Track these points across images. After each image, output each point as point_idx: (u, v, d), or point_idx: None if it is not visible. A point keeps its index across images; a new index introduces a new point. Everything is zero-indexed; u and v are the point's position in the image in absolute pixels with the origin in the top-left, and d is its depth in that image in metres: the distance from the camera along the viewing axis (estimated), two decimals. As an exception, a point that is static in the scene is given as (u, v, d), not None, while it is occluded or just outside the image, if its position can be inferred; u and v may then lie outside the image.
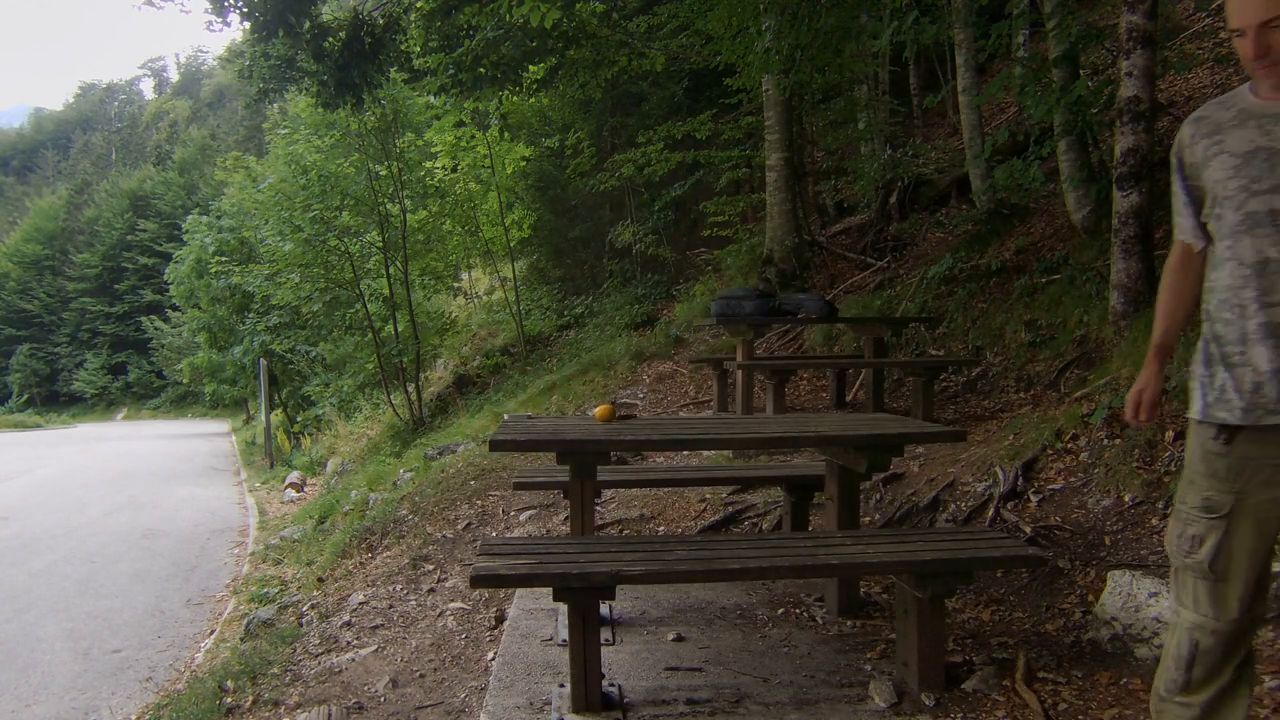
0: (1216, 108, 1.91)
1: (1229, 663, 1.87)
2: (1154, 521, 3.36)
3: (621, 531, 4.79)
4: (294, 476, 13.16)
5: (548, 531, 4.97)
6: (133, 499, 11.18)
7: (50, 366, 48.73)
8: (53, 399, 47.59)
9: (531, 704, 2.66)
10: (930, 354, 6.88)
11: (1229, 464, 1.83)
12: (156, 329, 36.73)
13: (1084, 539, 3.46)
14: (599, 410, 3.50)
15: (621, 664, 2.92)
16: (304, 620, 4.50)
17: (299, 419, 19.51)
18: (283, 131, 14.73)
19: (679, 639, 3.15)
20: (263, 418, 18.66)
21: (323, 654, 3.73)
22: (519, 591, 3.67)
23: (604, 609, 3.28)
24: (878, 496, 4.63)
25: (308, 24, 8.23)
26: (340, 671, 3.41)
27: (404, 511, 5.94)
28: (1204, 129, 1.91)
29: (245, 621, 5.06)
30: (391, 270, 13.53)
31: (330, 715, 2.96)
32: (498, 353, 14.13)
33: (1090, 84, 5.71)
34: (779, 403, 5.96)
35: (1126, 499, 3.55)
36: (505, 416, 6.57)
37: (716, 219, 11.37)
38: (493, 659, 3.18)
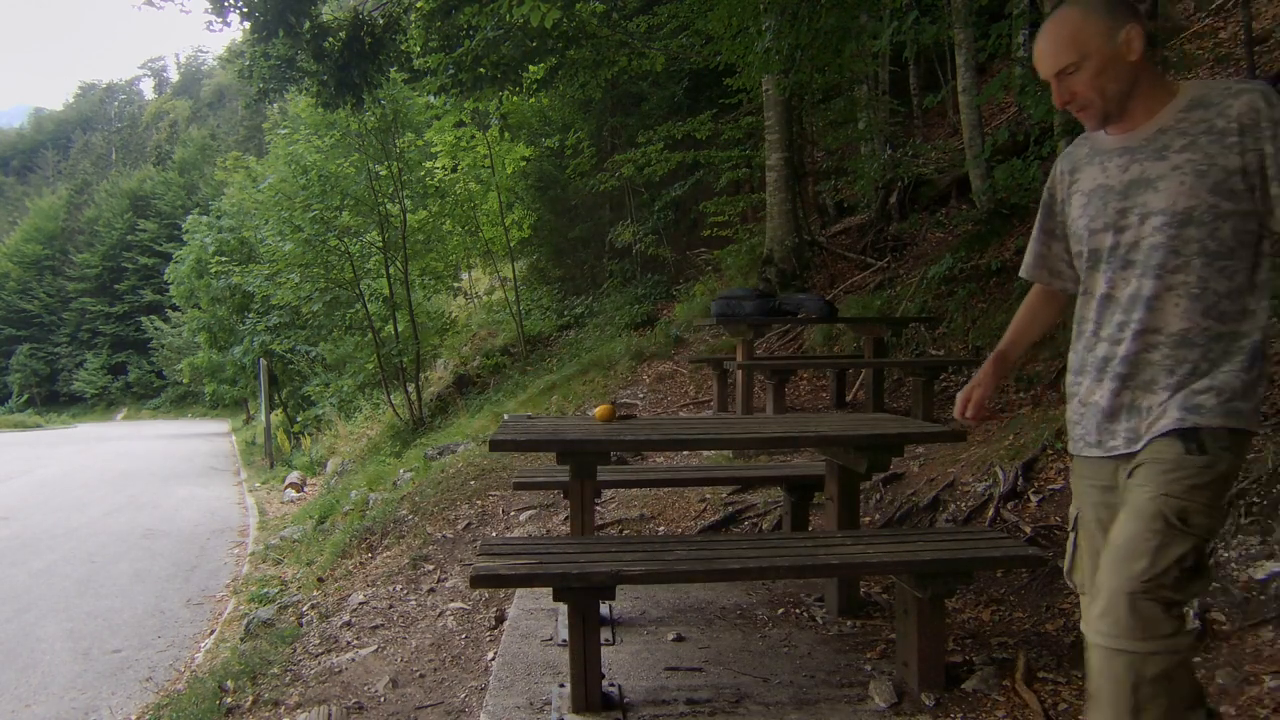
0: (1080, 143, 1.90)
1: None
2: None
3: (621, 531, 4.79)
4: (294, 476, 13.16)
5: (548, 531, 4.97)
6: (133, 499, 11.18)
7: (50, 366, 48.77)
8: (53, 399, 47.62)
9: (531, 704, 2.66)
10: (930, 354, 6.88)
11: (1073, 480, 1.94)
12: (156, 329, 36.78)
13: (1084, 539, 3.45)
14: (599, 410, 3.50)
15: (621, 664, 2.92)
16: (304, 620, 4.50)
17: (299, 419, 19.52)
18: (283, 131, 14.74)
19: (679, 639, 3.15)
20: (263, 418, 18.66)
21: (323, 654, 3.73)
22: (519, 591, 3.67)
23: (604, 609, 3.28)
24: (878, 496, 4.63)
25: (308, 24, 8.22)
26: (340, 671, 3.41)
27: (404, 511, 5.94)
28: (1067, 165, 1.90)
29: (245, 621, 5.06)
30: (391, 270, 13.53)
31: (330, 715, 2.96)
32: (498, 353, 14.14)
33: (1090, 84, 5.70)
34: (779, 403, 5.96)
35: (1126, 499, 3.55)
36: (505, 416, 6.57)
37: (716, 219, 11.37)
38: (493, 659, 3.18)
